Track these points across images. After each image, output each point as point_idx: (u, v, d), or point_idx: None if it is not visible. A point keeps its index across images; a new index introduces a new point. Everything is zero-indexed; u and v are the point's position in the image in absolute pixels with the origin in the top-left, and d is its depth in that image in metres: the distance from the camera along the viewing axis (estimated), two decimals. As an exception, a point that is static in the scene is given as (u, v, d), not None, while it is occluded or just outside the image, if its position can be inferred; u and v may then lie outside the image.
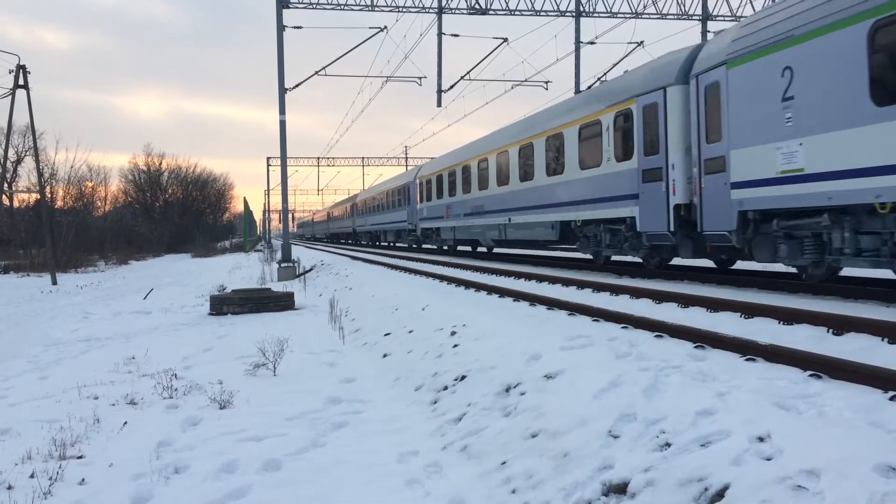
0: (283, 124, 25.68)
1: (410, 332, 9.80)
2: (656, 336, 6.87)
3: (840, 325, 6.66)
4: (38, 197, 37.72)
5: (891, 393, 4.38)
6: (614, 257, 15.91)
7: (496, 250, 27.33)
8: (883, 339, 6.09)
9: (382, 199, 40.26)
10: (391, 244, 43.64)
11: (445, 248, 29.50)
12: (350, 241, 59.65)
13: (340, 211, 62.93)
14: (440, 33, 25.09)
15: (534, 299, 10.44)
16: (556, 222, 16.57)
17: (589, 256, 16.32)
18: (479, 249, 27.96)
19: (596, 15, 26.11)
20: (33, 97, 30.03)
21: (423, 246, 33.93)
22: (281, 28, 24.91)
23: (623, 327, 7.50)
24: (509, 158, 19.39)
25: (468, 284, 13.64)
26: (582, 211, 15.16)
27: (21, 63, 29.52)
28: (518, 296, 11.03)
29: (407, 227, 33.85)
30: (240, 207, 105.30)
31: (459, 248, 28.48)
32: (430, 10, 25.15)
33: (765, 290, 10.32)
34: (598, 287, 11.52)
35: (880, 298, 8.78)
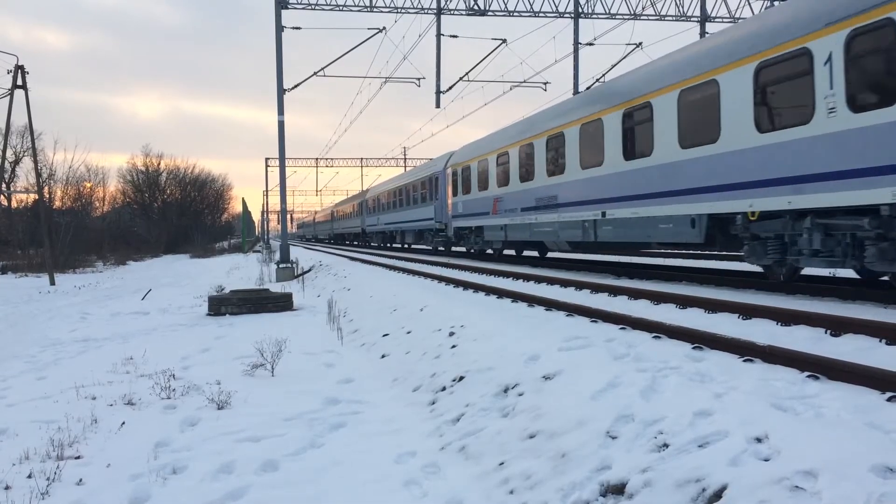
0: (281, 125, 25.70)
1: (409, 332, 9.80)
2: (654, 337, 6.88)
3: (838, 326, 6.67)
4: (37, 197, 37.67)
5: (888, 394, 4.40)
6: (806, 270, 11.12)
7: (551, 254, 22.16)
8: (881, 340, 6.10)
9: (401, 194, 34.55)
10: (407, 246, 38.56)
11: (491, 251, 23.81)
12: (357, 243, 56.33)
13: (347, 209, 57.56)
14: (439, 34, 25.10)
15: (532, 300, 10.44)
16: (699, 216, 11.43)
17: (756, 268, 11.65)
18: (527, 253, 23.08)
19: (594, 16, 26.13)
20: (32, 97, 30.17)
21: (453, 249, 28.47)
22: (280, 29, 24.91)
23: (621, 328, 7.50)
24: (603, 130, 14.39)
25: (466, 285, 13.64)
26: (762, 196, 10.02)
27: (19, 63, 29.53)
28: (516, 297, 11.04)
29: (434, 226, 28.53)
30: (238, 208, 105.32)
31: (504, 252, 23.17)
32: (429, 11, 25.18)
33: (762, 292, 10.33)
34: (597, 288, 11.53)
35: (878, 300, 8.79)
